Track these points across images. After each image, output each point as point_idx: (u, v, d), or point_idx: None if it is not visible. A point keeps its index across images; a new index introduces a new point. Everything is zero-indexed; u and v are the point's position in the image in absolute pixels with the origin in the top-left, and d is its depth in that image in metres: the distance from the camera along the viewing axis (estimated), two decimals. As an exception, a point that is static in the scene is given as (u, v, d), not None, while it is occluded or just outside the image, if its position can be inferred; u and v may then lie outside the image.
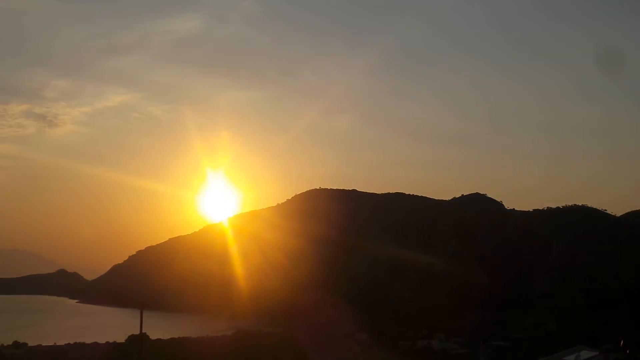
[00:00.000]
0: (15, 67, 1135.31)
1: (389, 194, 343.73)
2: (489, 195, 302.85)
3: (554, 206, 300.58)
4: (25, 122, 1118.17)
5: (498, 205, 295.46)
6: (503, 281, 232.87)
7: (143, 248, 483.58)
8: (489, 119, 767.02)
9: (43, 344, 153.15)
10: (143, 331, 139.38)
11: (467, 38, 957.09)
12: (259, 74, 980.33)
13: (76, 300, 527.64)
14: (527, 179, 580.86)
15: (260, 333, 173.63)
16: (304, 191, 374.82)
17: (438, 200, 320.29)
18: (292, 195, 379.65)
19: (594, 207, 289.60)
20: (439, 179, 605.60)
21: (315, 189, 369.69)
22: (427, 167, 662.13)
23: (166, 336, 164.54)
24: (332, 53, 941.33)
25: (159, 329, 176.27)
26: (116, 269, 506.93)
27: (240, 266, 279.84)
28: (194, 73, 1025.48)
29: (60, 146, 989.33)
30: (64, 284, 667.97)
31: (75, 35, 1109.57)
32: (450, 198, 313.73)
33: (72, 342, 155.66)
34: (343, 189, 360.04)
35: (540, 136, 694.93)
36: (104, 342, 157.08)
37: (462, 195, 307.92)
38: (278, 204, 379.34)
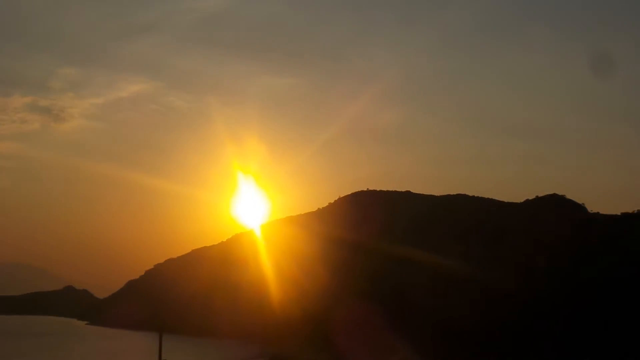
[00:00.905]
0: (16, 55, 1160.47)
1: (449, 195, 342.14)
2: (569, 196, 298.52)
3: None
4: (28, 116, 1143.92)
5: (579, 208, 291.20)
6: (585, 298, 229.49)
7: (162, 261, 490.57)
8: (570, 107, 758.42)
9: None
10: (163, 358, 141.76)
11: (545, 9, 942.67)
12: (297, 58, 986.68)
13: (86, 322, 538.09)
14: (614, 178, 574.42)
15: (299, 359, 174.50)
16: (349, 193, 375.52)
17: (508, 202, 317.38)
18: (335, 199, 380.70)
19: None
20: (508, 177, 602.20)
21: (362, 191, 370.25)
22: (494, 164, 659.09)
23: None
24: (383, 32, 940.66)
25: (181, 355, 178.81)
26: (131, 286, 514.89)
27: (275, 282, 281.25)
28: (221, 57, 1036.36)
29: (67, 143, 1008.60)
30: (71, 302, 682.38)
31: (84, 16, 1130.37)
32: (522, 200, 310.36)
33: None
34: (395, 191, 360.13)
35: (630, 128, 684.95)
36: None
37: (537, 196, 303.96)
38: (319, 209, 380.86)
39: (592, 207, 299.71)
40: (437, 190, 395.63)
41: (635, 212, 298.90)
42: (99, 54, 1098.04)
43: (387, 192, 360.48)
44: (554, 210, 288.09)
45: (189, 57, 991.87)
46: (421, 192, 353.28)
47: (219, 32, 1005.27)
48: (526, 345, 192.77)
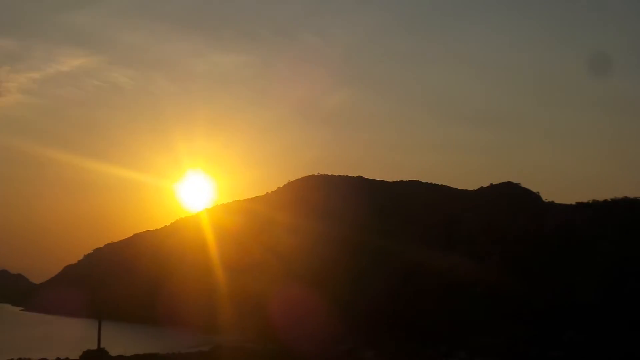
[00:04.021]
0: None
1: (402, 182, 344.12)
2: (524, 185, 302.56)
3: (601, 199, 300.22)
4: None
5: (534, 197, 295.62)
6: (539, 289, 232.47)
7: (102, 245, 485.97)
8: (527, 92, 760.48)
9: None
10: (102, 346, 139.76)
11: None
12: (247, 34, 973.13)
13: (20, 308, 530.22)
14: (570, 166, 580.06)
15: (245, 349, 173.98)
16: (299, 178, 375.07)
17: (462, 190, 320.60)
18: (285, 183, 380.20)
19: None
20: (463, 164, 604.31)
21: (313, 176, 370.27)
22: (449, 150, 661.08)
23: (129, 352, 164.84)
24: (338, 9, 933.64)
25: (120, 343, 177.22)
26: (69, 270, 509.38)
27: (221, 268, 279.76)
28: (167, 32, 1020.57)
29: (3, 121, 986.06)
30: (5, 287, 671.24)
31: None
32: (476, 188, 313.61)
33: (15, 358, 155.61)
34: (347, 176, 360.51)
35: (587, 114, 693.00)
36: (53, 358, 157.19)
37: (492, 184, 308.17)
38: (267, 193, 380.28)
39: (547, 196, 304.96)
40: (391, 176, 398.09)
41: (591, 201, 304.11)
42: (37, 24, 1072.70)
43: (339, 176, 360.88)
44: (509, 198, 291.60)
45: (134, 31, 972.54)
46: (374, 178, 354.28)
47: (165, 5, 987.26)
48: (479, 336, 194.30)
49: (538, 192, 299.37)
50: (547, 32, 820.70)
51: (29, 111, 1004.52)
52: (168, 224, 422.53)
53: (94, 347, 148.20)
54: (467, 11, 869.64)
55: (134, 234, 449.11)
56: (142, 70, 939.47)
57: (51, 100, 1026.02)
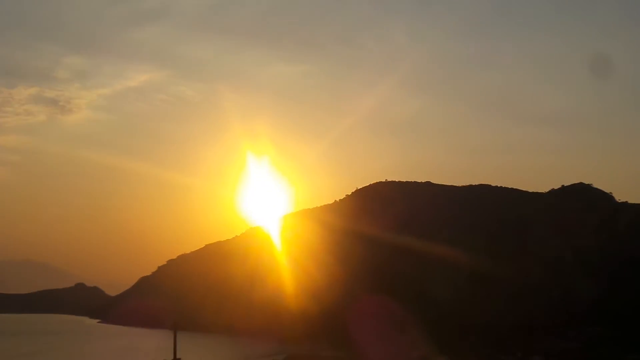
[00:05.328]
0: (20, 44, 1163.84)
1: (471, 186, 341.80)
2: (596, 185, 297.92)
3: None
4: (33, 108, 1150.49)
5: (607, 197, 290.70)
6: (615, 290, 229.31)
7: (175, 257, 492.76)
8: (599, 93, 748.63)
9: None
10: (177, 356, 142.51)
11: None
12: (311, 44, 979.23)
13: (97, 320, 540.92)
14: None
15: (317, 357, 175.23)
16: (367, 185, 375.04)
17: (533, 192, 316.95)
18: (353, 190, 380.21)
19: None
20: (534, 167, 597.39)
21: (381, 182, 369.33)
22: (519, 153, 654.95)
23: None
24: (400, 15, 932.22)
25: (195, 353, 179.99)
26: (144, 282, 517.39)
27: (291, 278, 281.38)
28: (232, 44, 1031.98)
29: (75, 136, 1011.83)
30: (82, 300, 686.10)
31: (89, 2, 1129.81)
32: (547, 190, 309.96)
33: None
34: (415, 182, 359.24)
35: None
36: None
37: (563, 186, 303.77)
38: (335, 201, 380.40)
39: (620, 196, 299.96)
40: (459, 181, 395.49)
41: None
42: (105, 42, 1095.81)
43: (407, 182, 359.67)
44: (581, 199, 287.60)
45: (198, 45, 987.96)
46: (442, 183, 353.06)
47: (228, 18, 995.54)
48: (554, 341, 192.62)
49: (611, 192, 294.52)
50: (624, 30, 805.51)
51: (99, 126, 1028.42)
52: (239, 234, 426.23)
53: (171, 357, 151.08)
54: (533, 13, 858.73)
55: (206, 245, 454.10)
56: (207, 82, 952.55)
57: (120, 115, 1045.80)
